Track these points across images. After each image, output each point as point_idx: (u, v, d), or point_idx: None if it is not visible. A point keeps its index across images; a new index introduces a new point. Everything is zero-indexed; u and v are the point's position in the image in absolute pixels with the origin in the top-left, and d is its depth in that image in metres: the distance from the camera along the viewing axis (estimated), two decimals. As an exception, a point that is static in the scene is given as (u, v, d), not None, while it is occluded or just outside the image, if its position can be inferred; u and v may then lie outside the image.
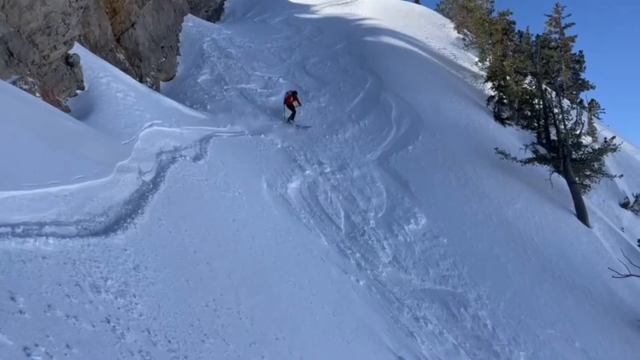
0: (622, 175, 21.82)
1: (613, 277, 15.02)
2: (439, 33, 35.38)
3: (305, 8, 37.61)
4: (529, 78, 24.66)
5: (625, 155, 25.19)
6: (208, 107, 19.10)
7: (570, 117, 20.85)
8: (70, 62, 12.71)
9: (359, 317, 11.02)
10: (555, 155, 19.60)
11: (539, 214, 17.69)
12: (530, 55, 22.38)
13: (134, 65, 19.13)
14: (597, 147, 20.87)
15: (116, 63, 16.82)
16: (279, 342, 8.00)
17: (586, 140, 23.07)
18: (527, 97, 23.11)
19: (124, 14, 18.80)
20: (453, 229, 15.77)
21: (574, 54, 30.28)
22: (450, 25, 37.38)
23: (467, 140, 20.54)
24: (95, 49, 16.25)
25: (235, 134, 16.77)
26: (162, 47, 21.77)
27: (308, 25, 31.72)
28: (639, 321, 14.07)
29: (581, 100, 29.44)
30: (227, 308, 7.58)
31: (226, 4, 38.00)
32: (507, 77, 24.70)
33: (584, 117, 24.19)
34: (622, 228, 20.46)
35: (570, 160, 19.28)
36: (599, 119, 33.21)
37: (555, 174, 19.44)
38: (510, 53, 25.43)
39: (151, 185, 9.54)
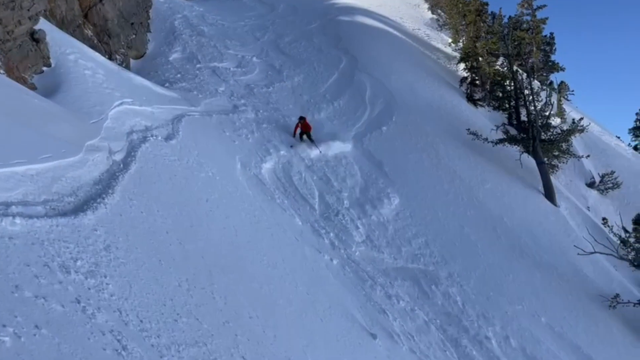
0: (588, 156, 22.40)
1: (578, 254, 15.50)
2: (413, 13, 35.36)
3: (279, -14, 37.00)
4: (501, 59, 24.92)
5: (592, 136, 25.81)
6: (180, 85, 18.77)
7: (540, 99, 21.21)
8: (35, 38, 12.28)
9: (332, 295, 11.15)
10: (525, 136, 19.97)
11: (508, 193, 18.06)
12: (503, 37, 22.59)
13: (103, 42, 18.61)
14: (565, 128, 21.31)
15: (84, 39, 16.34)
16: (253, 321, 8.06)
17: (555, 121, 23.52)
18: (499, 78, 23.39)
19: (92, -11, 18.21)
20: (425, 208, 16.00)
21: (545, 36, 30.69)
22: (424, 5, 37.39)
23: (440, 121, 20.74)
24: (61, 24, 15.73)
25: (208, 113, 16.55)
26: (132, 23, 21.21)
27: (282, 4, 31.29)
28: (603, 297, 14.60)
29: (551, 82, 29.95)
30: (200, 288, 7.57)
31: (198, -20, 37.11)
32: (480, 59, 24.91)
33: (554, 99, 24.63)
34: (588, 207, 21.06)
35: (539, 141, 19.67)
36: (568, 100, 33.89)
37: (525, 155, 19.84)
38: (483, 34, 25.60)
39: (122, 165, 9.38)
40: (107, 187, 8.10)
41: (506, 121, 21.71)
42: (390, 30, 28.51)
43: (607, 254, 15.86)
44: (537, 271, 14.89)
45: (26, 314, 4.29)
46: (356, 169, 17.00)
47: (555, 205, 18.78)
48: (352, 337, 9.97)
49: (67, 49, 13.28)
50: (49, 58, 12.50)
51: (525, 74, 22.24)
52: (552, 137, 20.42)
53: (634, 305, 14.44)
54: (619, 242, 16.21)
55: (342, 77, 22.13)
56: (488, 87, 24.46)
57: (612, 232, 16.73)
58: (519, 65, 22.94)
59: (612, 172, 23.13)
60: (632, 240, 15.94)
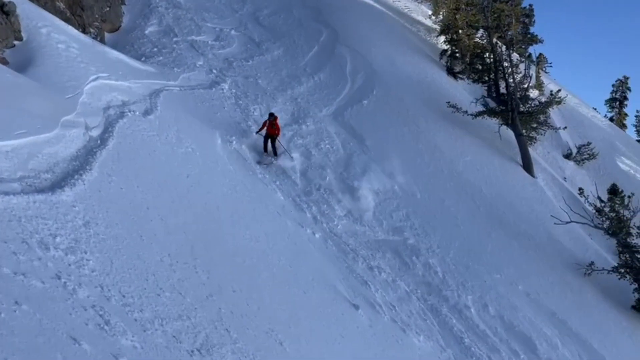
0: (565, 127, 22.71)
1: (555, 224, 15.85)
2: (393, -15, 34.95)
3: (257, -43, 36.16)
4: (480, 32, 24.88)
5: (569, 108, 26.11)
6: (157, 60, 18.40)
7: (519, 71, 21.33)
8: (5, 11, 11.86)
9: (315, 268, 11.26)
10: (504, 108, 20.13)
11: (487, 165, 18.29)
12: (482, 9, 22.52)
13: (76, 14, 18.05)
14: (543, 100, 21.51)
15: (56, 12, 15.83)
16: (236, 294, 8.12)
17: (533, 93, 23.70)
18: (479, 50, 23.40)
19: (62, -41, 17.55)
20: (406, 182, 16.12)
21: (524, 7, 30.66)
22: (404, -23, 36.94)
23: (420, 95, 20.75)
24: (31, -3, 15.18)
25: (186, 87, 16.30)
26: (106, -4, 20.56)
27: (260, -25, 30.60)
28: (578, 264, 15.00)
29: (530, 54, 30.06)
30: (182, 263, 7.58)
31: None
32: (460, 31, 24.84)
33: (532, 71, 24.76)
34: (565, 178, 21.44)
35: (518, 113, 19.86)
36: (546, 72, 34.15)
37: (504, 127, 20.03)
38: (463, 6, 25.46)
39: (99, 141, 9.24)
40: (84, 164, 7.99)
41: (485, 94, 21.82)
42: (371, 2, 28.21)
43: (582, 223, 16.26)
44: (514, 241, 15.21)
45: (5, 290, 4.26)
46: (338, 143, 16.99)
47: (533, 176, 19.09)
48: (335, 308, 10.12)
49: (38, 22, 12.88)
50: (20, 32, 12.12)
51: (504, 47, 22.28)
52: (530, 109, 20.62)
53: (607, 273, 14.88)
54: (594, 211, 16.58)
55: (322, 51, 21.91)
56: (468, 59, 24.47)
57: (588, 201, 17.08)
58: (499, 38, 22.91)
59: (589, 143, 23.50)
60: (607, 209, 16.32)
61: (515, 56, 22.88)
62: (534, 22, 30.26)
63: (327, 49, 21.96)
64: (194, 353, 5.58)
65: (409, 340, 10.64)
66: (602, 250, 16.40)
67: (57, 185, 6.87)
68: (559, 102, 20.86)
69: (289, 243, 11.61)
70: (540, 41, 27.00)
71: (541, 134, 21.29)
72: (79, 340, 4.23)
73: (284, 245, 11.32)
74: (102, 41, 18.23)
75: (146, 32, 20.48)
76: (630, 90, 39.34)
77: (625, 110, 39.82)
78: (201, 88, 16.85)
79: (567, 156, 23.49)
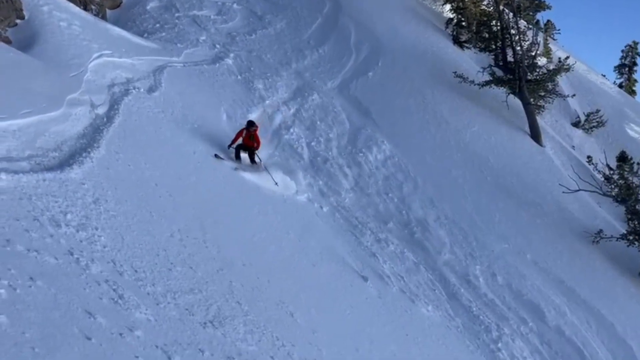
0: (574, 95, 22.40)
1: (563, 192, 15.78)
2: (397, -47, 34.21)
3: None
4: (487, -1, 24.40)
5: (577, 75, 25.73)
6: (160, 36, 18.24)
7: (526, 38, 20.96)
8: (5, -10, 11.77)
9: (323, 241, 11.34)
10: (511, 77, 19.84)
11: (494, 135, 18.14)
12: (489, -25, 22.06)
13: (76, -8, 17.86)
14: (551, 67, 21.17)
15: (56, -10, 15.66)
16: (246, 268, 8.21)
17: (541, 61, 23.32)
18: (485, 18, 22.94)
19: None
20: (413, 153, 16.06)
21: (532, -27, 30.00)
22: (408, -56, 36.10)
23: (426, 65, 20.49)
24: (31, -26, 15.01)
25: (190, 63, 16.18)
26: (105, -28, 20.29)
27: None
28: (586, 233, 14.98)
29: (537, 21, 29.50)
30: (192, 238, 7.66)
31: None
32: (466, -1, 24.39)
33: (540, 38, 24.33)
34: (573, 146, 21.27)
35: (525, 82, 19.59)
36: (554, 39, 33.54)
37: (511, 96, 19.79)
38: (469, -27, 24.93)
39: (105, 119, 9.25)
40: (91, 141, 8.02)
41: (492, 63, 21.49)
42: (374, -29, 27.64)
43: (591, 191, 16.17)
44: (522, 210, 15.18)
45: (20, 267, 4.33)
46: (344, 116, 16.89)
47: (540, 145, 18.93)
48: (343, 280, 10.23)
49: (39, 0, 12.76)
50: (22, 10, 12.04)
51: (511, 14, 21.86)
52: (538, 77, 20.30)
53: (616, 240, 14.86)
54: (603, 179, 16.48)
55: (326, 22, 21.60)
56: (474, 28, 24.04)
57: (597, 169, 16.96)
58: (505, 5, 22.46)
59: (597, 111, 23.22)
60: (615, 177, 16.20)
61: (522, 23, 22.44)
62: (542, -13, 29.63)
63: (330, 21, 21.65)
64: (206, 325, 5.67)
65: (418, 310, 10.76)
66: (610, 218, 16.34)
67: (65, 163, 6.91)
68: (567, 70, 20.53)
69: (297, 217, 11.67)
70: (548, 7, 26.42)
71: (549, 102, 21.02)
72: (94, 314, 4.31)
73: (292, 220, 11.39)
74: (103, 18, 18.08)
75: (147, 7, 20.25)
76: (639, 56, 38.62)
77: (635, 76, 39.13)
78: (205, 64, 16.72)
79: (576, 124, 23.25)
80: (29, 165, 6.27)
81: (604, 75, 33.94)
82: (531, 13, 26.27)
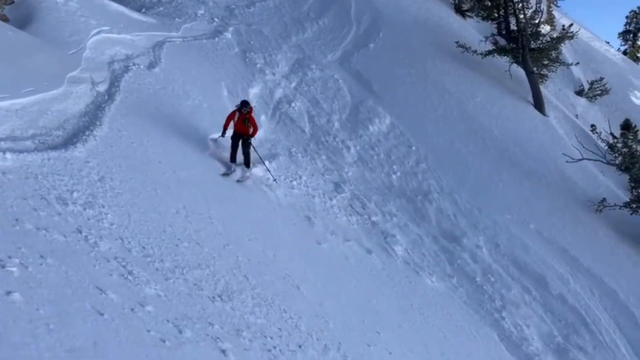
0: (578, 63, 22.16)
1: (567, 162, 15.76)
2: None
3: None
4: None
5: (581, 42, 25.41)
6: (157, 10, 17.99)
7: (529, 6, 20.64)
8: (-1, -34, 11.57)
9: (327, 216, 11.38)
10: (514, 45, 19.62)
11: (498, 105, 18.03)
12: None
13: (71, -33, 17.54)
14: (555, 35, 20.90)
15: (50, -34, 15.39)
16: (252, 243, 8.28)
17: (544, 29, 23.01)
18: (488, -14, 22.57)
19: None
20: (415, 125, 15.99)
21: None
22: None
23: (427, 35, 20.25)
24: (24, -50, 14.74)
25: (189, 38, 15.99)
26: (100, -55, 19.87)
27: None
28: (590, 201, 15.01)
29: (541, -12, 28.99)
30: (198, 214, 7.69)
31: None
32: (468, -34, 23.95)
33: (543, 6, 23.94)
34: (577, 115, 21.14)
35: (529, 50, 19.37)
36: (557, 6, 32.98)
37: (514, 65, 19.59)
38: (471, -61, 24.42)
39: (106, 96, 9.21)
40: (94, 119, 8.00)
41: (495, 32, 21.21)
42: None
43: (595, 160, 16.15)
44: (526, 180, 15.19)
45: (30, 245, 4.37)
46: (345, 89, 16.76)
47: (544, 114, 18.83)
48: (348, 253, 10.31)
49: (34, -24, 12.55)
50: (17, -13, 11.85)
51: (514, -20, 21.45)
52: (541, 45, 20.07)
53: (619, 208, 14.89)
54: (606, 147, 16.43)
55: (325, -6, 21.24)
56: (476, -4, 23.67)
57: (601, 138, 16.90)
58: (508, -28, 22.08)
59: (601, 79, 23.00)
60: (619, 145, 16.16)
61: (525, -10, 22.06)
62: (545, -47, 29.00)
63: (330, -8, 21.28)
64: (215, 299, 5.74)
65: (422, 281, 10.87)
66: (614, 187, 16.35)
67: (69, 141, 6.91)
68: (570, 37, 20.28)
69: (301, 193, 11.69)
70: (552, -27, 25.99)
71: (552, 71, 20.84)
72: (105, 290, 4.37)
73: (296, 195, 11.41)
74: (100, -6, 17.78)
75: (144, -18, 19.88)
76: (644, 22, 38.05)
77: (640, 42, 38.67)
78: (204, 38, 16.52)
79: (579, 93, 23.06)
80: (33, 144, 6.27)
81: (608, 43, 33.54)
82: (534, -21, 25.80)
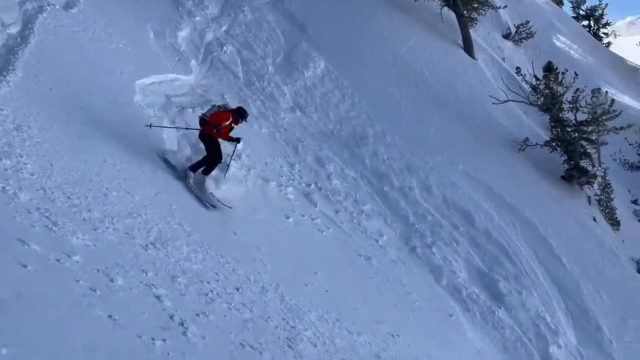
0: (505, 7, 22.69)
1: (493, 103, 16.39)
2: None
3: None
4: None
5: (510, -14, 25.89)
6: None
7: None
8: None
9: (263, 161, 11.33)
10: (445, -13, 19.73)
11: (429, 49, 18.26)
12: None
13: None
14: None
15: None
16: (185, 191, 8.18)
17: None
18: None
19: None
20: (351, 70, 15.96)
21: None
22: None
23: (361, -23, 19.89)
24: None
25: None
26: None
27: None
28: (513, 141, 15.78)
29: None
30: (126, 162, 7.46)
31: None
32: None
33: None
34: (504, 58, 21.80)
35: (459, -7, 19.55)
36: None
37: (445, 8, 19.77)
38: None
39: (19, 39, 8.52)
40: (6, 64, 7.43)
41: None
42: None
43: (519, 102, 16.90)
44: (456, 122, 15.71)
45: (-60, 199, 4.10)
46: (278, 32, 16.36)
47: (473, 58, 19.29)
48: (287, 200, 10.39)
49: None
50: None
51: None
52: (471, -12, 20.31)
53: (540, 147, 15.77)
54: (530, 89, 17.18)
55: None
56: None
57: (525, 80, 17.61)
58: None
59: (527, 22, 23.69)
60: (542, 87, 16.92)
61: None
62: None
63: None
64: (148, 247, 5.68)
65: (359, 223, 11.19)
66: (535, 127, 17.23)
67: (-22, 88, 6.40)
68: (499, -20, 20.60)
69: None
70: None
71: (482, 14, 21.19)
72: (27, 241, 4.19)
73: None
74: None
75: None
76: (568, -34, 39.07)
77: (562, -14, 39.86)
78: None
79: (506, 36, 23.69)
80: (-64, 91, 5.77)
81: (535, -14, 34.29)
82: None
